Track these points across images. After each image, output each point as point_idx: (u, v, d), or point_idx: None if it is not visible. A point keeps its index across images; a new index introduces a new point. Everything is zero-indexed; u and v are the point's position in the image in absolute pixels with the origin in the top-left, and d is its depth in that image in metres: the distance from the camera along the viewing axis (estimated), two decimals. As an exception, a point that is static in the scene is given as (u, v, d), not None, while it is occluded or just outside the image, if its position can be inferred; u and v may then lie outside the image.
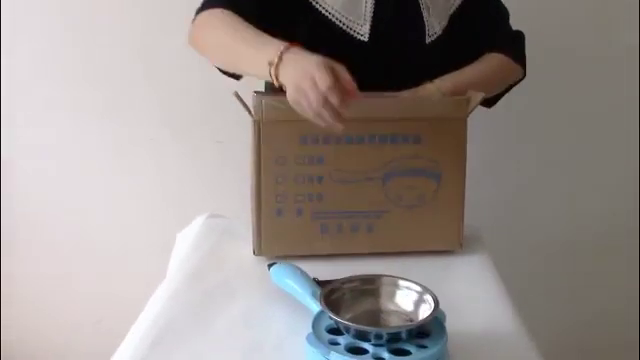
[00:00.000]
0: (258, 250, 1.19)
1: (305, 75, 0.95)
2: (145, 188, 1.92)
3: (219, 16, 1.16)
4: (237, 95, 1.11)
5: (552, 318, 1.95)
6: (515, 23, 1.38)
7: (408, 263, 1.16)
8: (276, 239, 1.18)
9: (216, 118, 1.82)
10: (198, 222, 1.39)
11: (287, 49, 1.00)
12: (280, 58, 0.99)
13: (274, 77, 1.01)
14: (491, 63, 1.31)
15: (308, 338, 0.84)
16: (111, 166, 1.91)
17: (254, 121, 1.13)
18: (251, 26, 1.11)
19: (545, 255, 1.98)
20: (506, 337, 0.96)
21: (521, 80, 1.39)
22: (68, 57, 1.83)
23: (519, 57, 1.36)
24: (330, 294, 0.89)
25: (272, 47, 1.01)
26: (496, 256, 1.23)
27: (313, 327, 0.86)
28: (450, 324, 0.88)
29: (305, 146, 1.14)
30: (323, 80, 0.93)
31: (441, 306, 0.87)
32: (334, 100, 0.94)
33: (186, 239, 1.36)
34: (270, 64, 1.00)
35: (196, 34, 1.22)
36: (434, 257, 1.20)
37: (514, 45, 1.36)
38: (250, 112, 1.13)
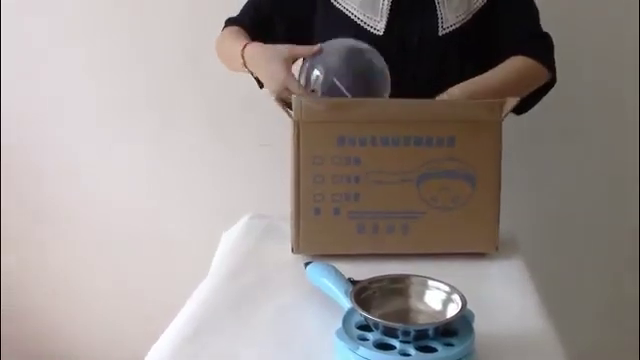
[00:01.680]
0: (296, 248, 1.22)
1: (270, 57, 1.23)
2: (194, 190, 1.98)
3: (228, 34, 1.37)
4: (278, 98, 1.16)
5: (584, 326, 1.93)
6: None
7: (443, 264, 1.18)
8: (314, 238, 1.21)
9: (261, 121, 1.86)
10: (242, 222, 1.44)
11: (248, 43, 1.28)
12: (243, 49, 1.27)
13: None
14: (515, 67, 1.30)
15: (338, 333, 0.86)
16: (160, 169, 1.97)
17: (294, 122, 1.17)
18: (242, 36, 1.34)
19: (581, 263, 1.96)
20: (536, 342, 0.96)
21: (552, 86, 1.37)
22: (116, 55, 1.90)
23: (546, 60, 1.33)
24: (361, 292, 0.91)
25: (239, 47, 1.28)
26: (532, 261, 1.23)
27: (343, 323, 0.88)
28: (480, 326, 0.89)
29: (342, 147, 1.17)
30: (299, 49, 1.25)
31: (473, 308, 0.89)
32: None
33: (230, 238, 1.41)
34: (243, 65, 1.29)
35: (216, 48, 1.42)
36: (469, 259, 1.21)
37: (541, 48, 1.34)
38: (289, 114, 1.17)
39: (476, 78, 1.25)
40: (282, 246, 1.24)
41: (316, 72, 1.24)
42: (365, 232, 1.20)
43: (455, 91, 1.22)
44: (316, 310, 1.03)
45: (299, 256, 1.22)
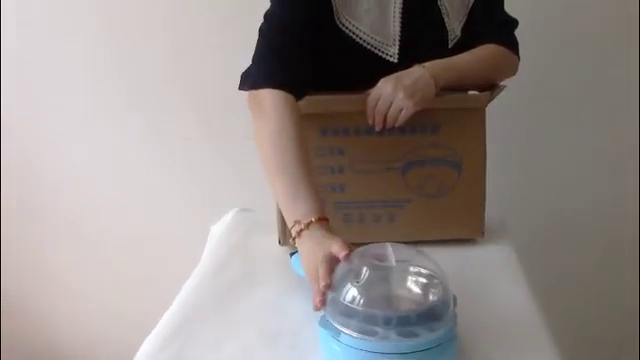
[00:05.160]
0: (283, 240, 1.22)
1: (312, 267, 0.96)
2: (183, 186, 1.98)
3: (272, 125, 1.11)
4: None
5: (570, 311, 1.93)
6: (520, 15, 1.36)
7: (429, 251, 1.17)
8: None
9: (246, 116, 1.86)
10: (229, 216, 1.44)
11: (307, 227, 1.00)
12: (299, 234, 1.00)
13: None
14: (484, 52, 1.26)
15: (320, 321, 0.86)
16: (150, 166, 1.97)
17: (277, 115, 1.16)
18: (295, 160, 1.06)
19: (575, 251, 1.96)
20: (521, 325, 0.96)
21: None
22: (107, 57, 1.89)
23: (510, 44, 1.30)
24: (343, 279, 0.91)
25: (297, 216, 1.02)
26: (520, 247, 1.23)
27: (326, 311, 0.88)
28: (465, 311, 0.89)
29: (326, 138, 1.17)
30: (322, 279, 0.92)
31: (458, 293, 0.89)
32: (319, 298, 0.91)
33: (217, 232, 1.41)
34: (293, 232, 1.02)
35: (255, 133, 1.18)
36: (456, 245, 1.21)
37: (504, 32, 1.30)
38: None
39: (446, 59, 1.20)
40: (269, 239, 1.25)
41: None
42: (351, 222, 1.20)
43: (430, 67, 1.14)
44: (301, 300, 1.03)
45: (286, 248, 1.22)
